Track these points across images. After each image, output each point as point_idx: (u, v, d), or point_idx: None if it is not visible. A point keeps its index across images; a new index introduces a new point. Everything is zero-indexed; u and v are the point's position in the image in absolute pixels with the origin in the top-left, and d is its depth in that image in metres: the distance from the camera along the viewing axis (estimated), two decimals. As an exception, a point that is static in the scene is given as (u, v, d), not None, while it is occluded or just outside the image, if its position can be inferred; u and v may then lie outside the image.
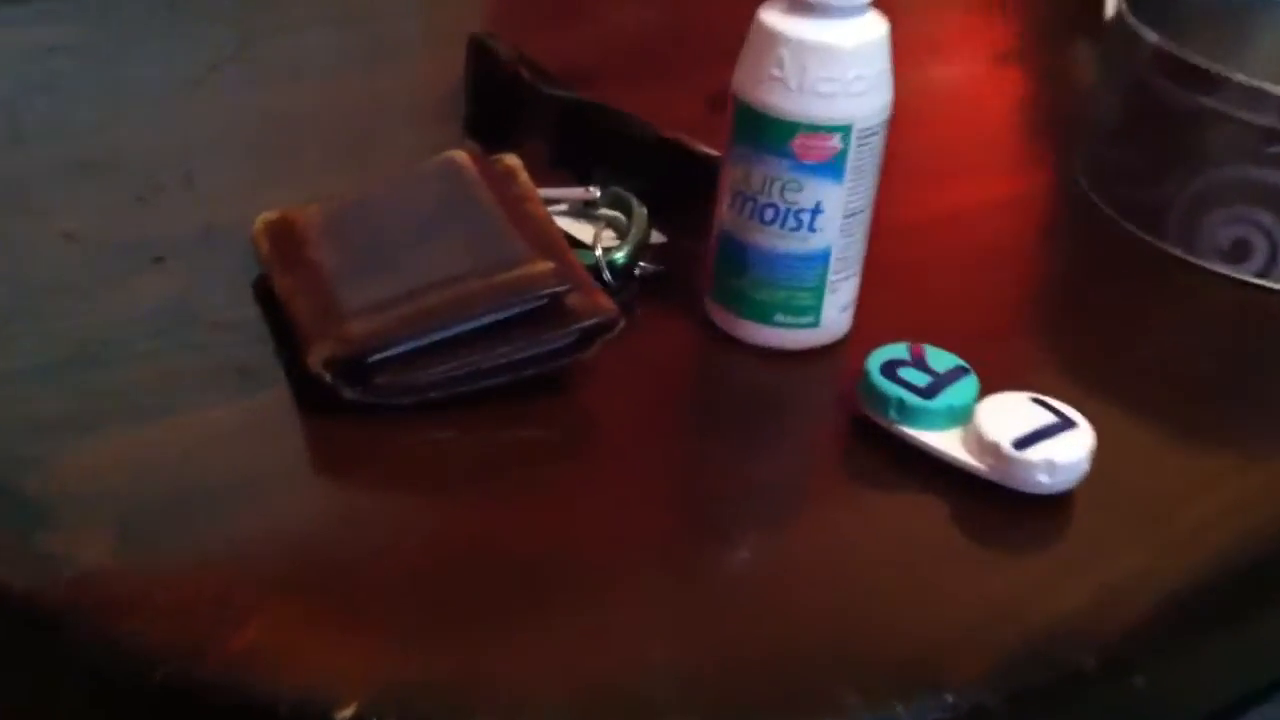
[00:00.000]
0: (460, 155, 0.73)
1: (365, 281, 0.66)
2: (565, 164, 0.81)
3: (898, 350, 0.66)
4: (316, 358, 0.62)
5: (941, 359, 0.65)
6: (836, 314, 0.70)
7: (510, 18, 1.05)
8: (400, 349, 0.63)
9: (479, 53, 0.86)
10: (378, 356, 0.62)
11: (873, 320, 0.72)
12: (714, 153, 0.75)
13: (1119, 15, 0.82)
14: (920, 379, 0.64)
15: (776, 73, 0.64)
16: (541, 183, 0.76)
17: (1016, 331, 0.75)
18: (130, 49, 0.95)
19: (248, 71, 0.93)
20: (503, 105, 0.84)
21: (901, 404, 0.63)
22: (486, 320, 0.64)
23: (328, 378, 0.62)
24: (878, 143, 0.67)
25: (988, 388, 0.64)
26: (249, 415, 0.62)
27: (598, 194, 0.76)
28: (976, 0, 1.15)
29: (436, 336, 0.63)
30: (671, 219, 0.77)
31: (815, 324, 0.69)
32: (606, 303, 0.66)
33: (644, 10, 1.06)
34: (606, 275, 0.71)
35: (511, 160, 0.75)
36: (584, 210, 0.76)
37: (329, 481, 0.61)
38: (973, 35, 1.10)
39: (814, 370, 0.70)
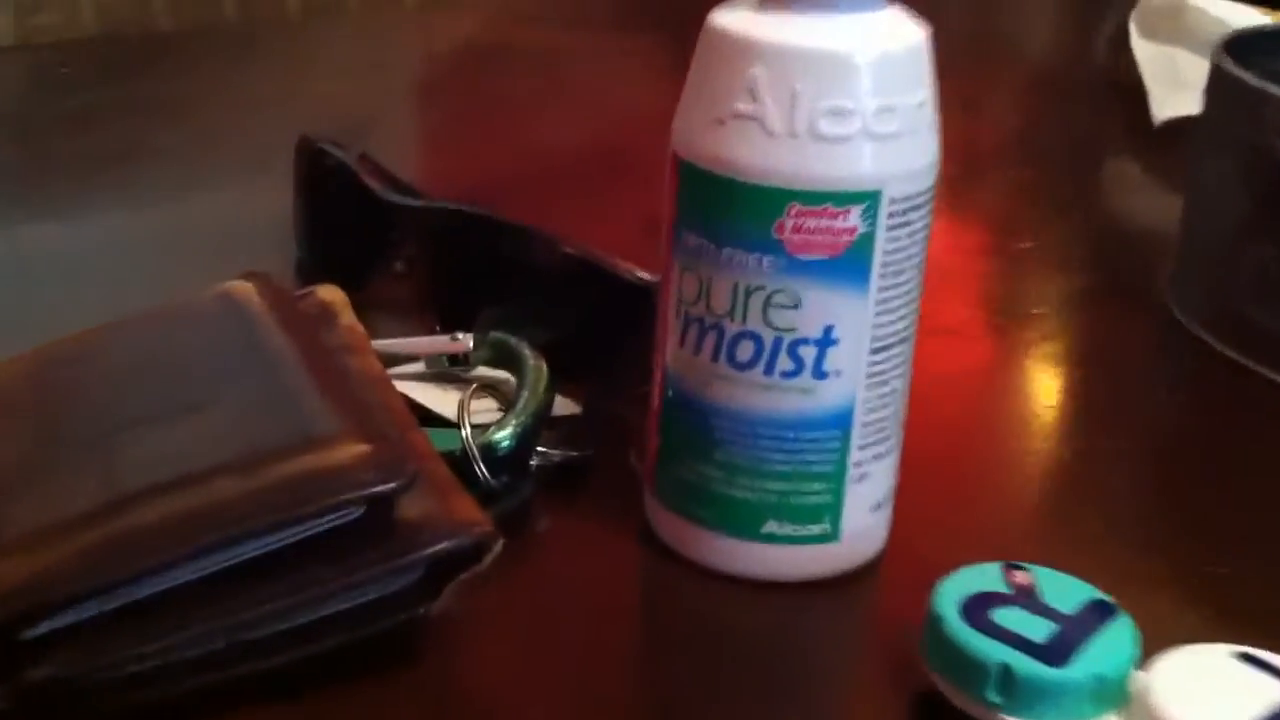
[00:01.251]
0: (241, 287, 0.45)
1: (51, 483, 0.37)
2: (437, 305, 0.54)
3: (986, 576, 0.38)
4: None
5: (1065, 589, 0.37)
6: (865, 516, 0.42)
7: (409, 138, 0.79)
8: (81, 613, 0.34)
9: (311, 162, 0.60)
10: (37, 629, 0.34)
11: (919, 523, 0.44)
12: (649, 276, 0.48)
13: (1225, 76, 0.56)
14: (1036, 627, 0.36)
15: (745, 106, 0.38)
16: (388, 330, 0.49)
17: (1149, 523, 0.47)
18: None
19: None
20: (344, 226, 0.57)
21: (1008, 676, 0.34)
22: (252, 551, 0.35)
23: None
24: (923, 223, 0.40)
25: (1150, 635, 0.36)
26: None
27: (470, 345, 0.48)
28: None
29: (148, 589, 0.34)
30: (588, 378, 0.50)
31: (832, 536, 0.42)
32: (474, 512, 0.38)
33: (578, 133, 0.80)
34: (481, 469, 0.43)
35: (329, 294, 0.47)
36: (452, 370, 0.49)
37: None
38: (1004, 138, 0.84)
39: (833, 613, 0.42)
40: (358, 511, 0.36)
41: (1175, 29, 0.84)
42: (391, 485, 0.36)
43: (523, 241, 0.51)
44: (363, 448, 0.37)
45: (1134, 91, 0.82)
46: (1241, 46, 0.58)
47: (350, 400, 0.40)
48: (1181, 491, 0.49)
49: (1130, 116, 0.82)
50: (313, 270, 0.60)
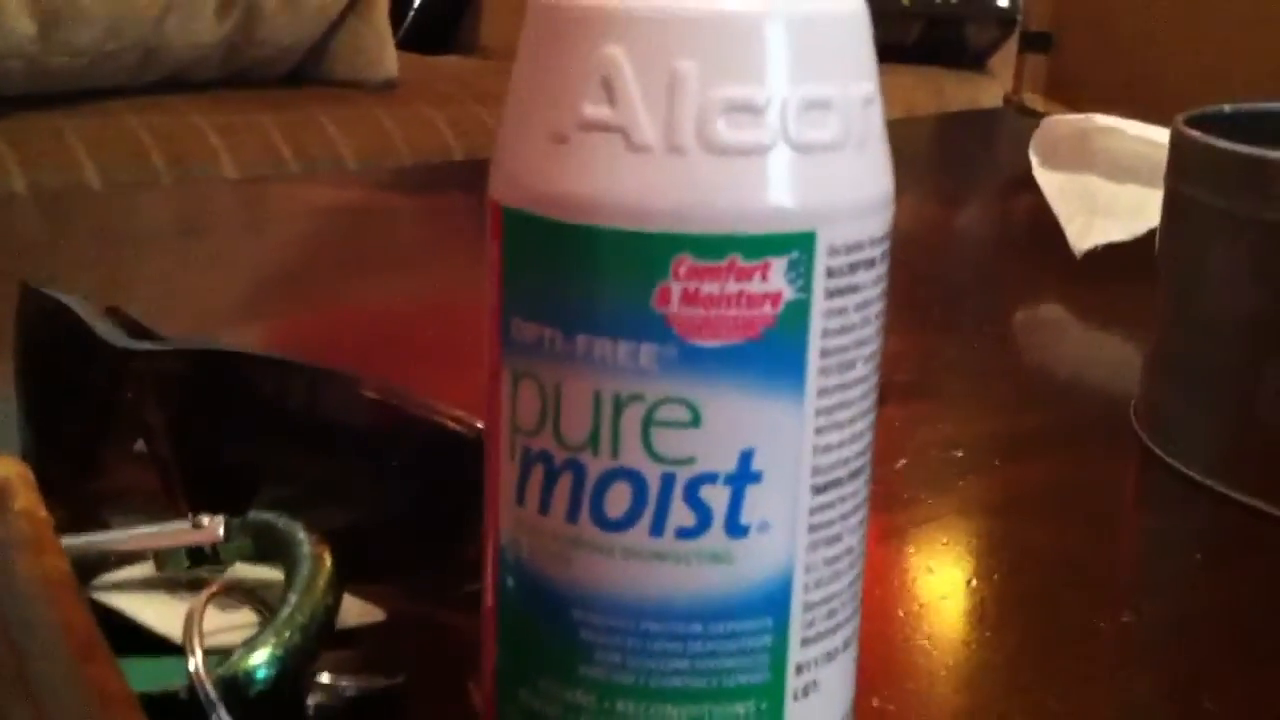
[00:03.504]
0: None
1: None
2: (192, 490, 0.39)
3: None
4: None
5: None
6: (817, 752, 0.27)
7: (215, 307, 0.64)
8: None
9: (32, 314, 0.45)
10: None
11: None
12: (475, 422, 0.34)
13: (1215, 156, 0.44)
14: None
15: (599, 110, 0.24)
16: (122, 513, 0.34)
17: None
18: None
19: None
20: (69, 391, 0.42)
21: None
22: None
23: None
24: (877, 289, 0.26)
25: None
26: None
27: (219, 532, 0.33)
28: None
29: None
30: (398, 571, 0.35)
31: (769, 785, 0.27)
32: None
33: (427, 299, 0.66)
34: (220, 718, 0.27)
35: (3, 469, 0.32)
36: (195, 573, 0.33)
37: None
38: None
39: None
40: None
41: (1083, 155, 0.74)
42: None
43: (300, 387, 0.37)
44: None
45: (1037, 226, 0.71)
46: (1201, 129, 0.47)
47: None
48: (1257, 685, 0.35)
49: (1041, 250, 0.70)
50: (38, 454, 0.44)
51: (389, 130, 1.35)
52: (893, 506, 0.43)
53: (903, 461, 0.46)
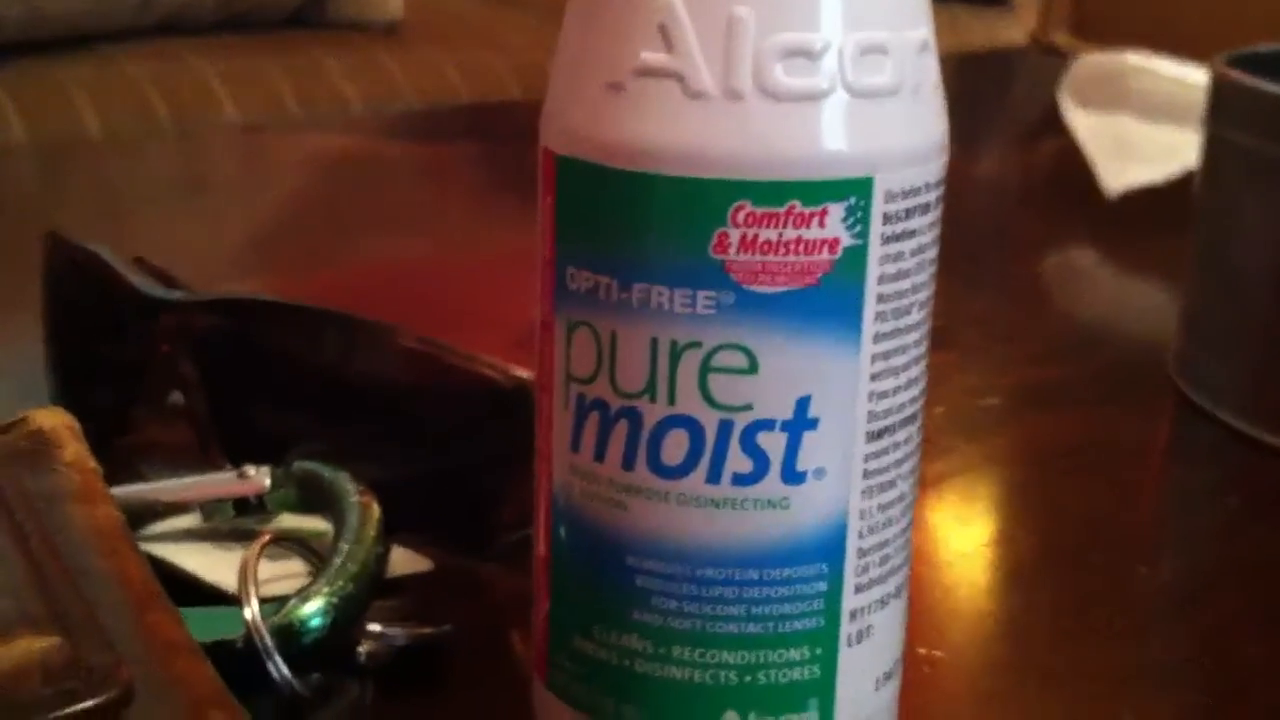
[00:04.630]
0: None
1: None
2: (227, 442, 0.39)
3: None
4: None
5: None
6: (869, 696, 0.27)
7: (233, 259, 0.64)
8: None
9: (59, 266, 0.44)
10: None
11: (947, 697, 0.30)
12: (523, 372, 0.34)
13: (1261, 99, 0.44)
14: None
15: (656, 56, 0.24)
16: (157, 468, 0.34)
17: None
18: None
19: None
20: (100, 344, 0.42)
21: None
22: None
23: None
24: (932, 235, 0.26)
25: None
26: None
27: (265, 483, 0.33)
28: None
29: None
30: (443, 521, 0.35)
31: (825, 728, 0.27)
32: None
33: (437, 255, 0.66)
34: (276, 665, 0.28)
35: (49, 420, 0.32)
36: (241, 522, 0.34)
37: None
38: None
39: None
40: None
41: (1116, 95, 0.73)
42: (88, 703, 0.21)
43: (339, 338, 0.37)
44: (47, 642, 0.22)
45: (1063, 172, 0.71)
46: (1246, 67, 0.46)
47: (42, 571, 0.25)
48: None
49: (1068, 197, 0.70)
50: (70, 406, 0.44)
51: (394, 73, 1.34)
52: (931, 454, 0.43)
53: (939, 408, 0.46)
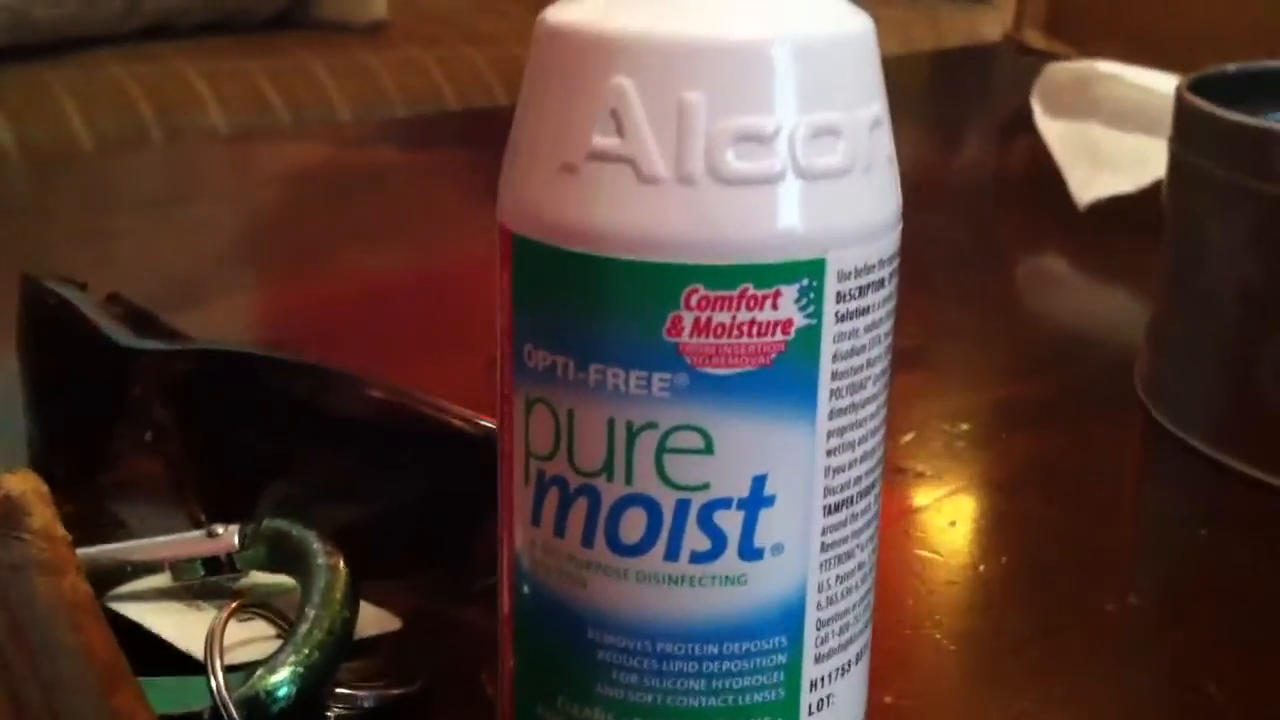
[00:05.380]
0: None
1: None
2: (200, 486, 0.39)
3: None
4: None
5: None
6: (832, 761, 0.28)
7: (207, 280, 0.64)
8: None
9: (34, 306, 0.44)
10: None
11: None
12: (483, 421, 0.35)
13: (1213, 125, 0.44)
14: None
15: (607, 140, 0.24)
16: (139, 526, 0.34)
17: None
18: None
19: None
20: (75, 386, 0.42)
21: None
22: None
23: None
24: (886, 309, 0.26)
25: None
26: None
27: (234, 541, 0.33)
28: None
29: None
30: (412, 574, 0.35)
31: (786, 798, 0.27)
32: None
33: (421, 268, 0.66)
34: (242, 734, 0.28)
35: (19, 484, 0.32)
36: (211, 581, 0.34)
37: None
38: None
39: None
40: None
41: (1086, 102, 0.73)
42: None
43: (308, 387, 0.37)
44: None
45: (1030, 175, 0.71)
46: (1204, 91, 0.46)
47: (2, 654, 0.25)
48: (1265, 669, 0.35)
49: (1041, 199, 0.70)
50: (44, 447, 0.44)
51: (378, 74, 1.34)
52: (901, 483, 0.43)
53: (909, 436, 0.46)
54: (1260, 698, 0.34)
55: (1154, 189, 0.56)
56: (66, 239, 0.68)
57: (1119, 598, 0.37)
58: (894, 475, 0.43)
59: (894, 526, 0.40)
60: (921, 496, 0.42)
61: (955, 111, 0.97)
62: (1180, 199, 0.47)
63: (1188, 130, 0.46)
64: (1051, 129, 0.74)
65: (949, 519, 0.41)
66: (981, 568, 0.39)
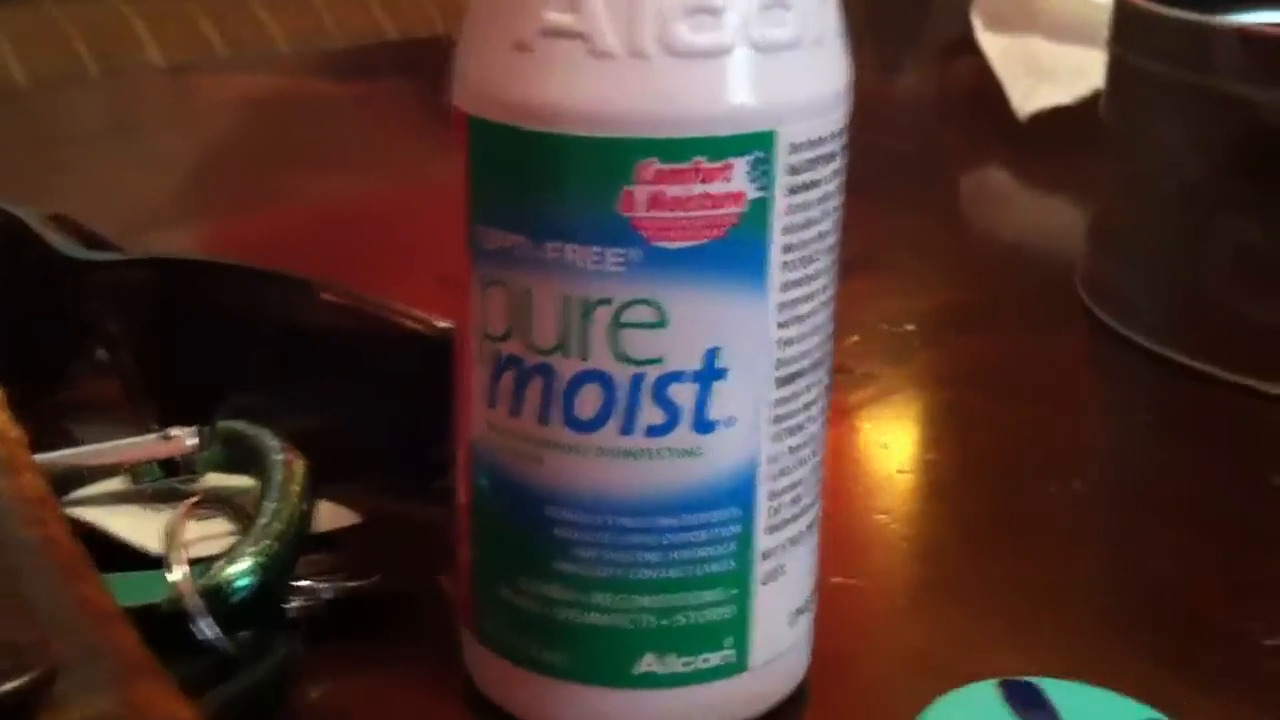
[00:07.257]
0: None
1: None
2: (157, 399, 0.39)
3: (980, 703, 0.25)
4: None
5: (1102, 710, 0.24)
6: (782, 631, 0.28)
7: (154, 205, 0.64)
8: None
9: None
10: None
11: (854, 633, 0.31)
12: (448, 323, 0.35)
13: (1153, 22, 0.44)
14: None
15: (560, 16, 0.24)
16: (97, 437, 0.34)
17: (1175, 595, 0.34)
18: None
19: None
20: (27, 304, 0.42)
21: None
22: None
23: None
24: (835, 183, 0.27)
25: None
26: None
27: (190, 443, 0.33)
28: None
29: None
30: (370, 472, 0.35)
31: (737, 665, 0.28)
32: (172, 708, 0.23)
33: (367, 193, 0.65)
34: (203, 625, 0.28)
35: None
36: (168, 484, 0.34)
37: None
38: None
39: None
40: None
41: (1026, 16, 0.74)
42: (13, 684, 0.21)
43: (262, 294, 0.37)
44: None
45: (972, 92, 0.72)
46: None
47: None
48: (1204, 550, 0.36)
49: (985, 114, 0.71)
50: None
51: (318, 9, 1.33)
52: (847, 383, 0.43)
53: (855, 337, 0.46)
54: (1198, 575, 0.35)
55: (1093, 99, 0.57)
56: (9, 172, 0.68)
57: (1063, 483, 0.38)
58: (840, 375, 0.44)
59: (842, 423, 0.41)
60: (868, 393, 0.43)
61: (896, 30, 0.97)
62: (1120, 101, 0.48)
63: (1127, 30, 0.47)
64: (993, 43, 0.75)
65: (896, 414, 0.42)
66: (929, 456, 0.39)
